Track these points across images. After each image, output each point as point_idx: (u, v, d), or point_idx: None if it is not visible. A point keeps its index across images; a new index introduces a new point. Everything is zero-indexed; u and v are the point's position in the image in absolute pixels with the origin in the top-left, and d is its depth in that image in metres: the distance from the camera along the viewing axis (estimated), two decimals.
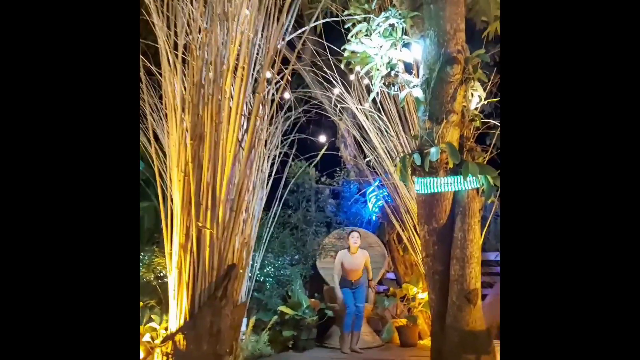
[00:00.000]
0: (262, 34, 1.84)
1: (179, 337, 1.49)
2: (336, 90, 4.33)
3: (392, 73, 2.75)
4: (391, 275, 4.83)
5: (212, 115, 1.57)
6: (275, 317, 3.56)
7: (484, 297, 2.96)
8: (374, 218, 5.30)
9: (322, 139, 5.40)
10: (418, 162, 2.73)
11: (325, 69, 4.25)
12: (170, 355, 1.49)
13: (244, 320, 3.65)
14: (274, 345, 3.55)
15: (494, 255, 5.39)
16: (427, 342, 3.97)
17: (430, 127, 2.74)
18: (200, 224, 1.54)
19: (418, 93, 2.71)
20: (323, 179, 5.57)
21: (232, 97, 1.66)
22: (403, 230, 4.36)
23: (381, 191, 4.90)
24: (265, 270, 4.39)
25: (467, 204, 2.77)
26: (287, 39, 2.16)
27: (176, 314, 1.57)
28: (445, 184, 2.77)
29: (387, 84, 2.85)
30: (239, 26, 1.71)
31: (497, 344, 3.24)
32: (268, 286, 4.32)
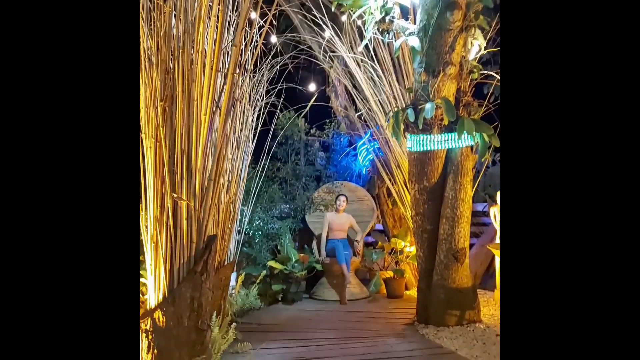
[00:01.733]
0: None
1: (158, 314, 1.44)
2: (326, 34, 4.02)
3: (387, 19, 2.51)
4: (379, 227, 4.87)
5: (184, 72, 1.39)
6: (264, 272, 3.59)
7: (470, 246, 2.98)
8: (364, 172, 5.23)
9: (312, 87, 5.14)
10: (412, 118, 2.59)
11: (315, 11, 3.91)
12: (149, 332, 1.45)
13: (234, 275, 3.68)
14: (264, 298, 3.61)
15: (482, 206, 5.45)
16: (413, 292, 4.10)
17: (425, 80, 2.56)
18: (175, 195, 1.43)
19: (414, 42, 2.49)
20: (313, 131, 5.40)
21: (206, 51, 1.46)
22: (393, 184, 4.31)
23: (372, 144, 4.77)
24: (254, 225, 4.37)
25: (460, 162, 2.68)
26: None
27: (154, 290, 1.50)
28: (438, 142, 2.66)
29: (380, 30, 2.61)
30: None
31: (479, 292, 3.36)
32: (257, 239, 4.33)
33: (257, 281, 3.50)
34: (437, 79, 2.51)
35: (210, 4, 1.44)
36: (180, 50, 1.39)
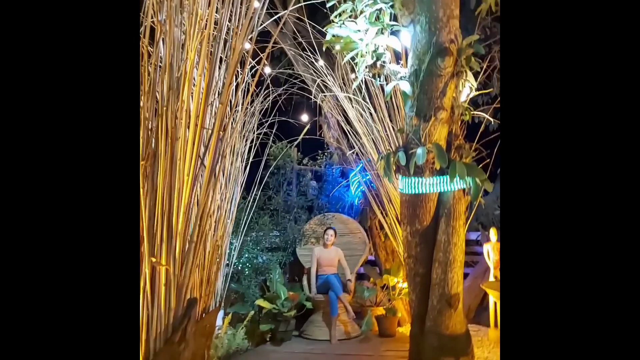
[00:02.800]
0: (228, 26, 1.57)
1: None
2: (320, 63, 4.04)
3: (378, 63, 2.51)
4: (371, 258, 4.79)
5: (168, 130, 1.34)
6: (252, 312, 3.46)
7: (465, 276, 2.91)
8: (356, 202, 5.18)
9: (304, 118, 5.15)
10: (403, 161, 2.56)
11: (307, 45, 3.94)
12: None
13: (220, 313, 3.55)
14: (251, 337, 3.48)
15: (475, 235, 5.42)
16: (406, 329, 4.00)
17: (417, 124, 2.55)
18: (153, 260, 1.36)
19: (405, 86, 2.49)
20: (305, 162, 5.37)
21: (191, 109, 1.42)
22: (385, 218, 4.26)
23: (364, 176, 4.74)
24: (242, 259, 4.27)
25: (452, 206, 2.64)
26: (256, 30, 1.87)
27: None
28: (430, 185, 2.62)
29: (372, 74, 2.61)
30: (198, 21, 1.43)
31: (471, 328, 3.27)
32: (246, 272, 4.21)
33: (245, 322, 3.37)
34: (429, 123, 2.50)
35: (197, 58, 1.41)
36: (165, 108, 1.35)
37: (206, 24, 1.47)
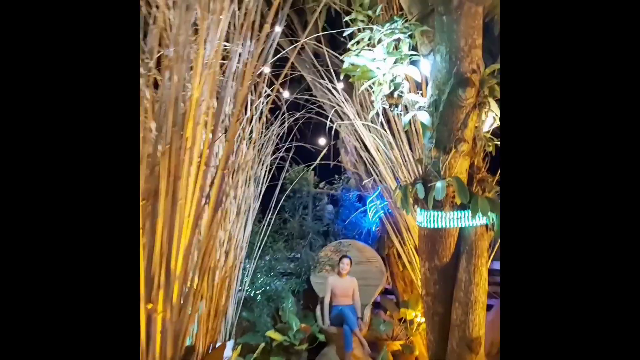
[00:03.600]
0: (238, 59, 1.53)
1: None
2: (339, 85, 4.00)
3: (396, 93, 2.42)
4: (388, 287, 4.59)
5: (170, 169, 1.30)
6: (263, 344, 3.34)
7: (488, 308, 2.70)
8: (373, 228, 5.03)
9: (322, 142, 5.09)
10: (421, 194, 2.44)
11: (324, 72, 3.92)
12: None
13: (230, 343, 3.44)
14: None
15: (499, 265, 5.16)
16: None
17: (436, 156, 2.43)
18: (149, 306, 1.29)
19: (424, 117, 2.39)
20: (322, 185, 5.29)
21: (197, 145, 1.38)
22: (402, 247, 4.09)
23: (382, 202, 4.61)
24: (255, 284, 4.18)
25: (474, 242, 2.48)
26: (270, 57, 1.84)
27: None
28: (450, 219, 2.48)
29: (389, 104, 2.52)
30: (205, 57, 1.40)
31: None
32: (259, 298, 4.11)
33: (255, 354, 3.25)
34: (449, 155, 2.38)
35: (203, 98, 1.38)
36: (168, 146, 1.31)
37: (213, 59, 1.44)
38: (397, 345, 3.79)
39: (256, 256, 4.12)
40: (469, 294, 2.46)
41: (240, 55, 1.55)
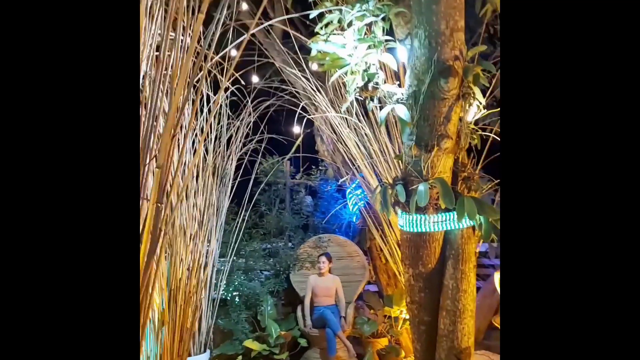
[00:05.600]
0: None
1: None
2: (310, 71, 3.68)
3: (370, 85, 2.14)
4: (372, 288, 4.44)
5: None
6: (240, 357, 3.12)
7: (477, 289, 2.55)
8: (354, 220, 4.83)
9: (296, 130, 4.78)
10: (402, 197, 2.21)
11: (293, 57, 3.59)
12: None
13: (206, 355, 3.22)
14: None
15: (484, 247, 5.12)
16: None
17: (417, 155, 2.19)
18: None
19: (402, 111, 2.13)
20: (298, 177, 5.03)
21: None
22: (384, 240, 3.91)
23: (360, 192, 4.39)
24: (231, 287, 3.94)
25: (460, 247, 2.29)
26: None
27: None
28: (435, 223, 2.27)
29: (363, 97, 2.24)
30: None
31: (480, 356, 2.95)
32: (236, 302, 3.88)
33: None
34: (431, 154, 2.14)
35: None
36: None
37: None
38: (383, 342, 3.66)
39: (230, 255, 3.87)
40: (457, 302, 2.28)
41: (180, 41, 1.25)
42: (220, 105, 3.32)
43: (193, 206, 2.36)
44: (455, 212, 2.20)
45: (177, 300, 2.16)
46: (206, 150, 2.89)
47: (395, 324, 3.71)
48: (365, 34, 2.16)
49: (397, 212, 2.42)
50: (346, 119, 3.35)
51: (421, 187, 2.07)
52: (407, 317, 3.64)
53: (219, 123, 3.57)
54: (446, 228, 2.28)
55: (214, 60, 2.16)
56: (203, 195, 2.65)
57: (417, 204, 2.10)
